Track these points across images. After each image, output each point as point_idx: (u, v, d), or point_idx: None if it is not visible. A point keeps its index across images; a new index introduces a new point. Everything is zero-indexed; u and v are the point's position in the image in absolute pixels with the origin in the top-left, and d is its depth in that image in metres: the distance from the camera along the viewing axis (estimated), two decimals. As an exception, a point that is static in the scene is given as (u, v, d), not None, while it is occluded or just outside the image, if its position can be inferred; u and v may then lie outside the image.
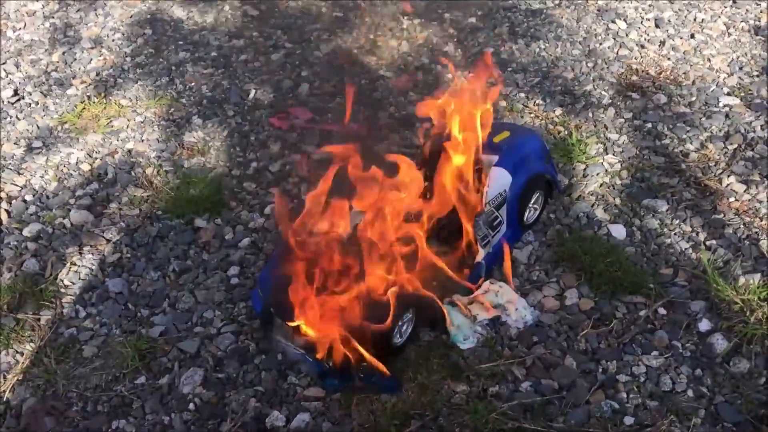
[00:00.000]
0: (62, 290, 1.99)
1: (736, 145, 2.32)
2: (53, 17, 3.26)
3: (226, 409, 1.67)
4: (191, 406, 1.68)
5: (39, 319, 1.90)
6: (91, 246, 2.11)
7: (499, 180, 1.88)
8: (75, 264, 2.06)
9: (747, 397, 1.62)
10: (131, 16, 3.24)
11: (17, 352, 1.82)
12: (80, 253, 2.09)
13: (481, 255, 1.85)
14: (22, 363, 1.79)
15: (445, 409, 1.64)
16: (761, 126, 2.38)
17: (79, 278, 2.02)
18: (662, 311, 1.83)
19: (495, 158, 1.90)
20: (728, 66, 2.70)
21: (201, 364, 1.77)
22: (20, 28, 3.21)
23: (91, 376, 1.76)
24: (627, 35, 2.90)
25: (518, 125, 2.42)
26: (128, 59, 2.97)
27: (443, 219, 1.80)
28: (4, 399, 1.72)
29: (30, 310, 1.92)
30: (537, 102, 2.59)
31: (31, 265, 2.05)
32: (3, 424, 1.67)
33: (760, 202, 2.11)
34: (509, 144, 1.97)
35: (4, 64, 2.96)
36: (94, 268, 2.05)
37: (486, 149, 1.87)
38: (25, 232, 2.17)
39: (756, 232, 2.02)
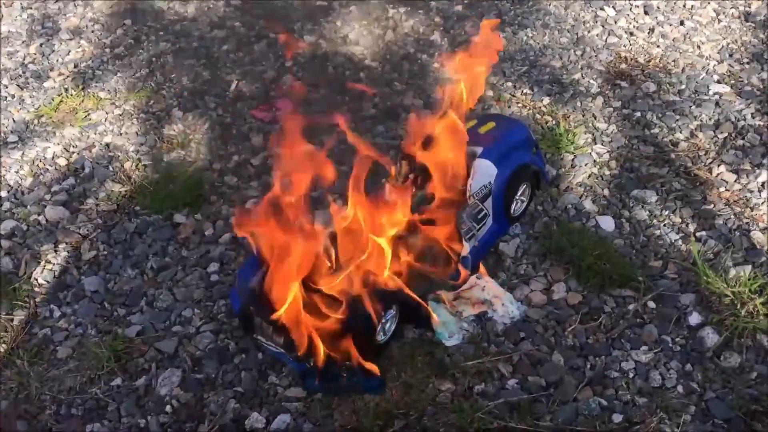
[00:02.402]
0: (36, 289, 1.93)
1: (726, 134, 2.27)
2: (31, 8, 3.19)
3: (204, 410, 1.62)
4: (168, 408, 1.63)
5: (12, 320, 1.84)
6: (66, 243, 2.06)
7: (484, 172, 1.83)
8: (50, 262, 2.00)
9: (738, 393, 1.58)
10: (111, 7, 3.17)
11: (-11, 353, 1.77)
12: (55, 251, 2.04)
13: (466, 249, 1.81)
14: (-6, 365, 1.74)
15: (429, 408, 1.59)
16: (752, 114, 2.34)
17: (54, 276, 1.96)
18: (651, 305, 1.79)
19: (479, 149, 1.85)
20: (718, 53, 2.65)
21: (179, 365, 1.72)
22: (-3, 20, 3.13)
23: (65, 378, 1.71)
24: (616, 22, 2.85)
25: (504, 116, 2.37)
26: (107, 50, 2.91)
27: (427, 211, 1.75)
28: (-24, 402, 1.67)
29: (3, 311, 1.86)
30: (524, 91, 2.54)
31: (4, 264, 1.99)
32: (-26, 428, 1.62)
33: (751, 191, 2.07)
34: (494, 135, 1.92)
35: (-21, 56, 2.89)
36: (69, 266, 1.99)
37: (471, 140, 1.82)
38: (-1, 230, 2.11)
39: (747, 223, 1.98)
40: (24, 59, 2.88)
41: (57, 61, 2.87)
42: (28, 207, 2.18)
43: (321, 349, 1.58)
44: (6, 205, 2.19)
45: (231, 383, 1.67)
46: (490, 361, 1.68)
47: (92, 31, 3.03)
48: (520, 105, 2.47)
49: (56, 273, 1.97)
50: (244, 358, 1.72)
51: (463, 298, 1.80)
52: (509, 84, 2.57)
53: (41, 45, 2.96)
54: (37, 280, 1.95)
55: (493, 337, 1.74)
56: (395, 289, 1.64)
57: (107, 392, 1.67)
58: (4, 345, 1.78)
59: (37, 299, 1.90)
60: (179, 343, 1.76)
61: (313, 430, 1.57)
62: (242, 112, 2.53)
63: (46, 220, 2.13)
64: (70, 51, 2.92)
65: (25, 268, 1.98)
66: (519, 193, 1.96)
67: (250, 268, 1.69)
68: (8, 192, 2.24)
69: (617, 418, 1.55)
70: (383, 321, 1.65)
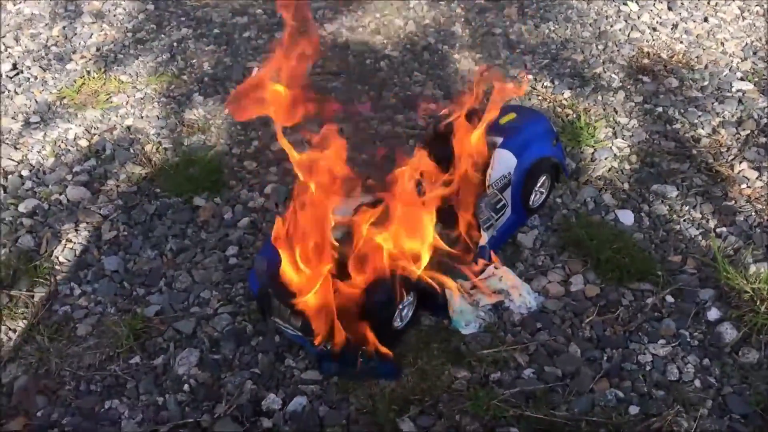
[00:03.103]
0: (57, 267, 1.95)
1: (748, 131, 2.26)
2: (54, -9, 3.21)
3: (221, 390, 1.63)
4: (186, 387, 1.64)
5: (33, 296, 1.86)
6: (87, 223, 2.07)
7: (504, 162, 1.83)
8: (71, 241, 2.02)
9: (756, 388, 1.58)
10: (133, -9, 3.18)
11: (10, 329, 1.79)
12: (76, 230, 2.05)
13: (484, 239, 1.81)
14: (15, 340, 1.75)
15: (445, 395, 1.60)
16: (775, 112, 2.33)
17: (75, 255, 1.98)
18: (670, 299, 1.78)
19: (500, 140, 1.85)
20: (742, 50, 2.63)
21: (197, 345, 1.73)
22: (21, 2, 3.15)
23: (85, 354, 1.72)
24: (639, 17, 2.83)
25: (525, 107, 2.36)
26: (129, 35, 2.92)
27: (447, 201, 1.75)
28: (-4, 377, 1.69)
29: (24, 287, 1.88)
30: (545, 84, 2.53)
31: (26, 242, 2.01)
32: (-6, 402, 1.64)
33: (773, 189, 2.06)
34: (515, 126, 1.91)
35: (3, 37, 2.91)
36: (89, 245, 2.00)
37: (491, 130, 1.81)
38: (21, 208, 2.12)
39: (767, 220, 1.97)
40: (47, 41, 2.90)
41: (79, 44, 2.88)
42: (50, 186, 2.20)
43: (339, 333, 1.59)
44: (28, 184, 2.21)
45: (248, 365, 1.68)
46: (507, 350, 1.68)
47: (114, 15, 3.05)
48: (540, 98, 2.47)
49: (77, 252, 1.99)
50: (261, 340, 1.73)
51: (480, 287, 1.80)
52: (530, 77, 2.56)
53: (64, 28, 2.98)
54: (57, 258, 1.97)
55: (509, 326, 1.74)
56: (413, 276, 1.64)
57: (126, 370, 1.68)
58: (24, 321, 1.80)
59: (58, 277, 1.92)
60: (197, 324, 1.77)
61: (329, 413, 1.57)
62: (262, 99, 2.53)
63: (68, 200, 2.15)
64: (92, 34, 2.93)
65: (46, 246, 2.00)
66: (538, 185, 1.96)
67: (269, 251, 1.69)
68: (30, 171, 2.26)
69: (634, 410, 1.55)
70: (400, 307, 1.66)
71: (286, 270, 1.56)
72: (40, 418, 1.60)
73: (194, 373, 1.67)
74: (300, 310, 1.58)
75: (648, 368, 1.64)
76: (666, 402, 1.56)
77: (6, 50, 2.84)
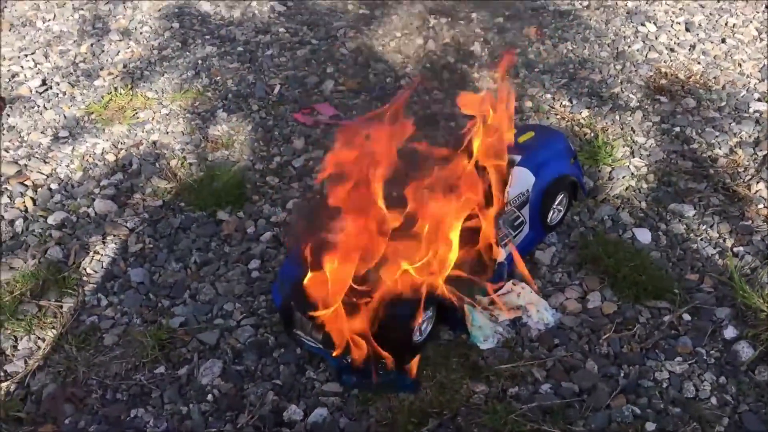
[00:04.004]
0: (85, 278, 2.00)
1: (765, 152, 2.28)
2: (83, 9, 3.30)
3: (244, 401, 1.67)
4: (209, 397, 1.68)
5: (61, 306, 1.91)
6: (114, 235, 2.13)
7: (522, 180, 1.86)
8: (98, 253, 2.07)
9: (772, 407, 1.59)
10: (159, 10, 3.26)
11: (39, 338, 1.84)
12: (103, 242, 2.11)
13: (502, 255, 1.84)
14: (44, 349, 1.80)
15: (463, 408, 1.62)
16: (792, 133, 2.35)
17: (102, 267, 2.03)
18: (687, 317, 1.80)
19: (518, 158, 1.88)
20: (759, 71, 2.66)
21: (220, 356, 1.77)
22: (50, 19, 3.24)
23: (111, 364, 1.77)
24: (656, 38, 2.87)
25: (544, 126, 2.39)
26: (155, 52, 2.99)
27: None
28: (25, 384, 1.73)
29: (53, 297, 1.93)
30: (563, 103, 2.56)
31: (54, 253, 2.07)
32: (23, 409, 1.68)
33: (790, 209, 2.07)
34: (533, 144, 1.95)
35: (33, 54, 2.99)
36: (116, 257, 2.06)
37: (510, 148, 1.85)
38: (50, 220, 2.18)
39: (785, 240, 1.98)
40: (75, 58, 2.98)
41: (107, 60, 2.96)
42: (78, 200, 2.26)
43: (361, 347, 1.62)
44: (57, 197, 2.27)
45: (270, 376, 1.72)
46: (524, 365, 1.70)
47: (141, 33, 3.13)
48: (558, 117, 2.50)
49: (104, 264, 2.04)
50: (283, 352, 1.77)
51: (498, 303, 1.82)
52: (548, 96, 2.60)
53: (92, 45, 3.06)
54: (85, 269, 2.02)
55: (527, 342, 1.76)
56: (433, 291, 1.67)
57: (151, 379, 1.73)
58: (53, 330, 1.85)
59: (86, 288, 1.97)
60: (221, 336, 1.82)
61: (349, 424, 1.60)
62: (284, 115, 2.59)
63: (95, 213, 2.21)
64: (119, 51, 3.01)
65: (74, 257, 2.06)
66: (556, 203, 1.99)
67: (292, 264, 1.74)
68: (59, 185, 2.32)
69: (650, 426, 1.56)
70: (420, 321, 1.69)
71: (310, 283, 1.59)
72: (67, 425, 1.64)
73: (217, 383, 1.71)
74: (321, 323, 1.62)
75: (665, 385, 1.65)
76: (682, 419, 1.58)
77: (35, 66, 2.93)
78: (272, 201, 2.23)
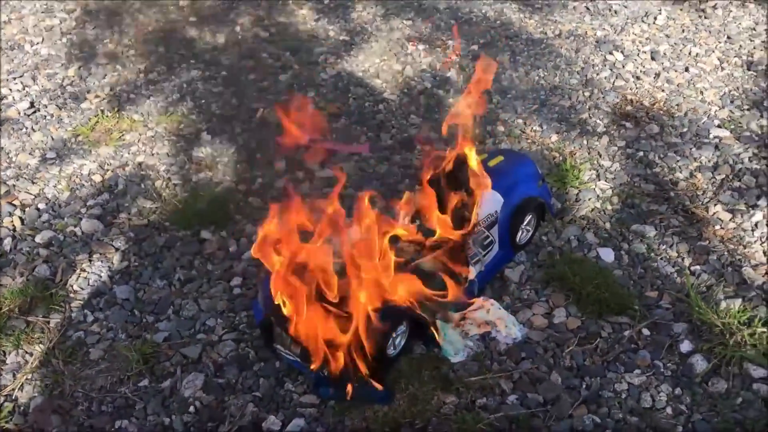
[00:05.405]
0: (71, 295, 2.07)
1: (723, 176, 2.40)
2: (70, 33, 3.38)
3: (224, 412, 1.74)
4: (192, 408, 1.75)
5: (48, 322, 1.98)
6: (100, 254, 2.20)
7: (491, 201, 1.96)
8: (84, 270, 2.14)
9: (724, 416, 1.69)
10: (145, 34, 3.35)
11: (27, 352, 1.90)
12: (90, 261, 2.18)
13: (472, 273, 1.93)
14: (31, 363, 1.87)
15: (434, 418, 1.71)
16: (749, 158, 2.47)
17: (88, 284, 2.10)
18: (646, 332, 1.91)
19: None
20: (720, 99, 2.79)
21: (202, 370, 1.85)
22: (38, 43, 3.32)
23: (97, 377, 1.84)
24: (623, 66, 3.00)
25: (513, 150, 2.50)
26: (141, 76, 3.08)
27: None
28: (13, 397, 1.80)
29: (40, 313, 2.00)
30: (534, 128, 2.68)
31: (42, 271, 2.14)
32: (11, 420, 1.74)
33: (745, 230, 2.19)
34: (502, 168, 2.06)
35: (21, 77, 3.07)
36: (102, 275, 2.13)
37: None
38: (38, 239, 2.26)
39: (739, 259, 2.10)
40: (63, 81, 3.06)
41: (94, 83, 3.04)
42: (65, 219, 2.33)
43: (337, 360, 1.70)
44: (44, 216, 2.34)
45: (250, 388, 1.80)
46: (493, 377, 1.80)
47: (127, 57, 3.21)
48: (529, 141, 2.62)
49: (90, 281, 2.11)
50: (262, 365, 1.85)
51: (468, 319, 1.92)
52: (520, 121, 2.72)
53: (79, 68, 3.14)
54: (72, 287, 2.09)
55: (495, 355, 1.86)
56: (406, 307, 1.76)
57: (135, 392, 1.80)
58: (41, 345, 1.92)
59: (72, 304, 2.04)
60: (203, 350, 1.89)
61: (325, 434, 1.69)
62: (267, 138, 2.69)
63: (82, 232, 2.28)
64: (106, 75, 3.09)
65: (61, 275, 2.13)
66: (525, 223, 2.09)
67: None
68: (46, 204, 2.40)
69: (609, 434, 1.66)
70: (393, 336, 1.78)
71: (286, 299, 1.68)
72: (54, 436, 1.71)
73: (199, 395, 1.78)
74: (299, 338, 1.70)
75: (624, 396, 1.75)
76: (640, 428, 1.68)
77: (24, 89, 3.00)
78: (254, 221, 2.31)
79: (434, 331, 1.84)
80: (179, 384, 1.81)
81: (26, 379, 1.84)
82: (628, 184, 2.40)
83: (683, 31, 3.24)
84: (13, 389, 1.82)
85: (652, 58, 3.04)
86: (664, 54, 3.07)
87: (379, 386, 1.72)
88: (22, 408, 1.78)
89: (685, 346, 1.86)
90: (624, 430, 1.67)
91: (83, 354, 1.90)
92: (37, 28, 3.43)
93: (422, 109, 2.83)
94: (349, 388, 1.72)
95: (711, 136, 2.59)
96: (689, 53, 3.08)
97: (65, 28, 3.42)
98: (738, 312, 1.90)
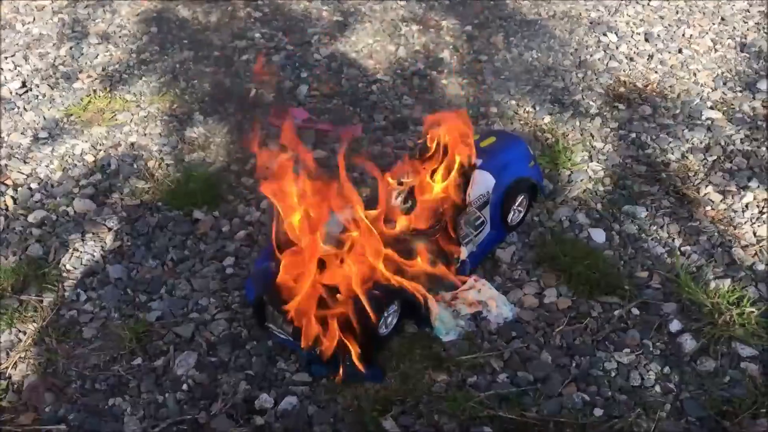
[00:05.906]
0: (64, 274, 2.07)
1: (715, 157, 2.41)
2: (62, 13, 3.35)
3: (217, 390, 1.76)
4: (184, 386, 1.77)
5: (42, 301, 1.99)
6: (93, 233, 2.20)
7: (483, 182, 1.97)
8: (77, 250, 2.15)
9: (711, 394, 1.71)
10: (138, 14, 3.33)
11: (20, 331, 1.91)
12: (83, 240, 2.18)
13: (464, 253, 1.94)
14: (25, 342, 1.88)
15: (425, 396, 1.73)
16: (740, 139, 2.48)
17: (81, 263, 2.11)
18: (636, 311, 1.92)
19: (479, 161, 1.99)
20: (713, 81, 2.80)
21: (195, 348, 1.86)
22: (29, 22, 3.30)
23: (90, 356, 1.85)
24: (617, 48, 3.00)
25: (505, 131, 2.51)
26: (134, 56, 3.06)
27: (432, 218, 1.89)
28: (7, 375, 1.81)
29: (33, 293, 2.01)
30: (527, 109, 2.68)
31: (35, 250, 2.14)
32: (4, 398, 1.75)
33: (735, 211, 2.20)
34: (494, 148, 2.06)
35: (13, 56, 3.05)
36: (95, 254, 2.13)
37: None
38: (30, 219, 2.25)
39: (729, 240, 2.11)
40: (54, 61, 3.04)
41: (86, 63, 3.03)
42: (58, 199, 2.33)
43: (329, 339, 1.71)
44: (37, 196, 2.34)
45: (242, 367, 1.81)
46: (483, 356, 1.81)
47: (120, 37, 3.19)
48: (522, 122, 2.62)
49: (83, 260, 2.11)
50: (255, 344, 1.86)
51: (460, 298, 1.93)
52: (513, 102, 2.72)
53: (71, 48, 3.12)
54: (65, 266, 2.10)
55: (486, 335, 1.87)
56: (398, 286, 1.77)
57: (129, 370, 1.81)
58: (34, 324, 1.92)
59: (65, 284, 2.04)
60: (196, 329, 1.90)
61: (318, 412, 1.70)
62: (260, 118, 2.68)
63: (75, 212, 2.28)
64: (98, 55, 3.08)
65: (54, 254, 2.13)
66: (516, 204, 2.10)
67: (265, 260, 1.83)
68: (39, 184, 2.39)
69: (598, 412, 1.68)
70: (385, 315, 1.79)
71: (279, 279, 1.69)
72: (48, 413, 1.72)
73: (192, 374, 1.80)
74: (291, 317, 1.71)
75: (613, 374, 1.77)
76: (628, 405, 1.70)
77: (15, 68, 2.98)
78: (246, 201, 2.32)
79: (427, 308, 1.84)
80: (172, 362, 1.82)
81: (20, 357, 1.84)
82: (620, 165, 2.41)
83: (677, 12, 3.23)
84: (7, 367, 1.82)
85: (646, 40, 3.04)
86: (658, 35, 3.07)
87: (362, 368, 1.72)
88: (15, 386, 1.79)
89: (675, 326, 1.88)
90: (613, 407, 1.69)
91: (76, 333, 1.91)
92: (28, 7, 3.40)
93: (416, 89, 2.83)
94: (341, 371, 1.73)
95: (703, 117, 2.60)
96: (683, 35, 3.07)
97: (57, 7, 3.39)
98: (727, 292, 1.92)
